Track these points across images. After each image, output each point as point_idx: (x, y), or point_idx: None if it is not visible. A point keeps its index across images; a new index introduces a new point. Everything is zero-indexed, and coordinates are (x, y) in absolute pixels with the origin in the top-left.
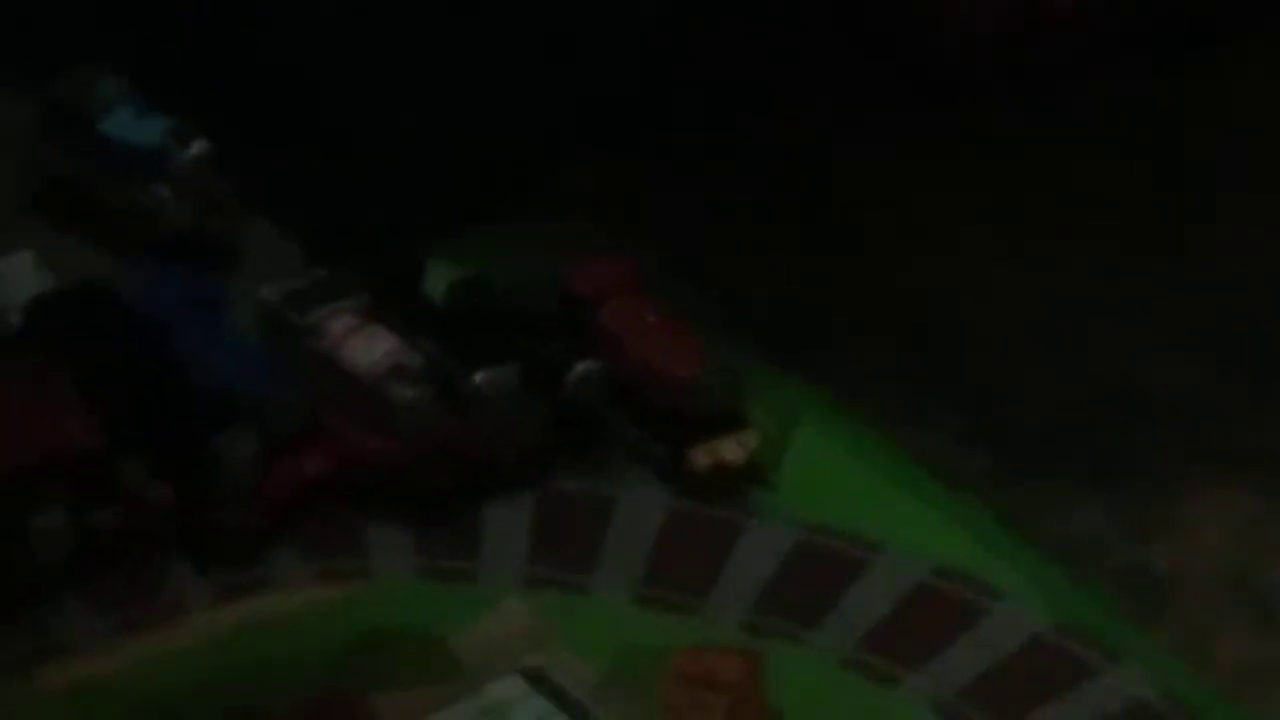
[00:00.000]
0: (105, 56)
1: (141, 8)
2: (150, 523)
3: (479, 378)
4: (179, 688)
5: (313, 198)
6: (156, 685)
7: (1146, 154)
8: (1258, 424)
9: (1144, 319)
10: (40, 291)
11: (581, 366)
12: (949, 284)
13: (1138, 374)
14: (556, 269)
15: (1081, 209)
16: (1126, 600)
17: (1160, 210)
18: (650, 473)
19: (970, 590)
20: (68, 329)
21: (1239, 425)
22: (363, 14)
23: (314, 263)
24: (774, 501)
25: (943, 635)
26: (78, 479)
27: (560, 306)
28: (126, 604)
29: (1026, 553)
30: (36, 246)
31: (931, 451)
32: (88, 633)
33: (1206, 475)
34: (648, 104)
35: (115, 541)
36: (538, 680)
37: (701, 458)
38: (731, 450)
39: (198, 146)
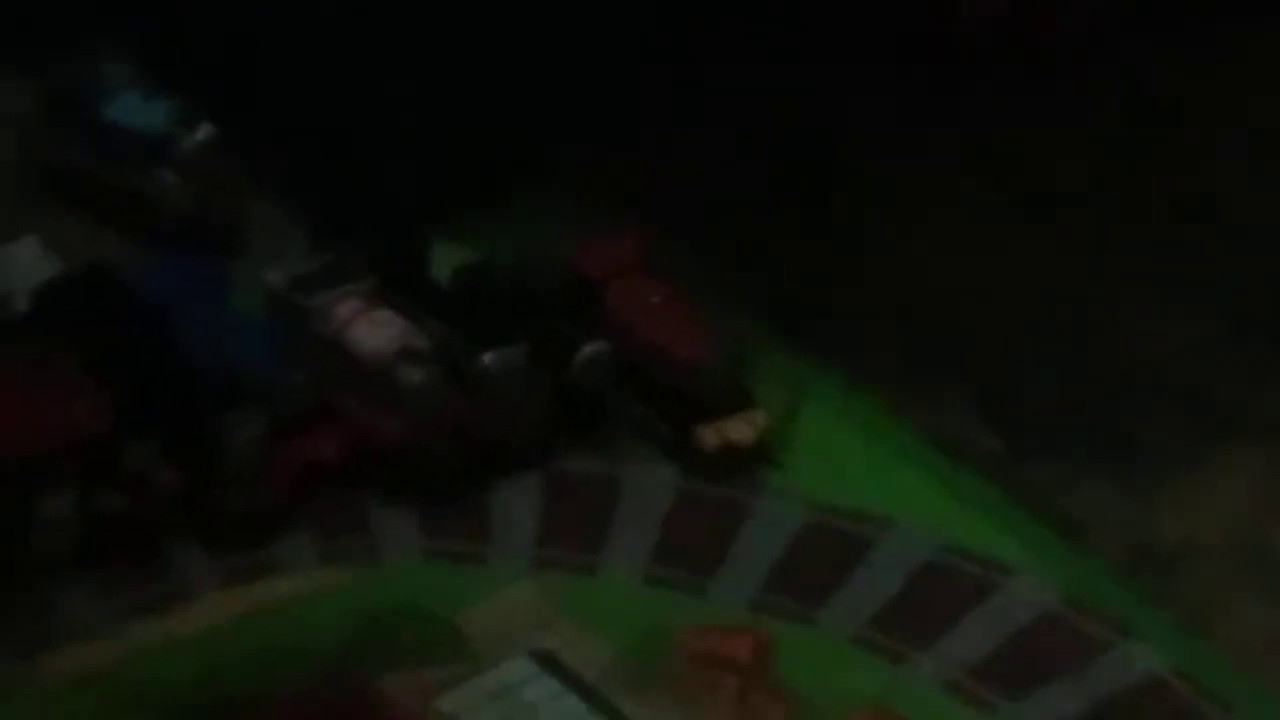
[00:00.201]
0: (109, 41)
1: None
2: (157, 507)
3: (486, 359)
4: (186, 672)
5: (318, 181)
6: (164, 670)
7: (1153, 128)
8: (1267, 398)
9: (1152, 294)
10: (46, 276)
11: (588, 347)
12: (958, 262)
13: (1146, 349)
14: (562, 250)
15: (1089, 186)
16: (1136, 575)
17: (1167, 187)
18: (658, 453)
19: (979, 567)
20: (74, 314)
21: (1248, 400)
22: None
23: (319, 246)
24: (782, 480)
25: (952, 612)
26: (85, 463)
27: (567, 287)
28: (133, 588)
29: (1035, 529)
30: (42, 232)
31: (940, 429)
32: (94, 617)
33: (1215, 450)
34: (649, 82)
35: (122, 526)
36: (547, 661)
37: (709, 437)
38: (739, 430)
39: (202, 131)
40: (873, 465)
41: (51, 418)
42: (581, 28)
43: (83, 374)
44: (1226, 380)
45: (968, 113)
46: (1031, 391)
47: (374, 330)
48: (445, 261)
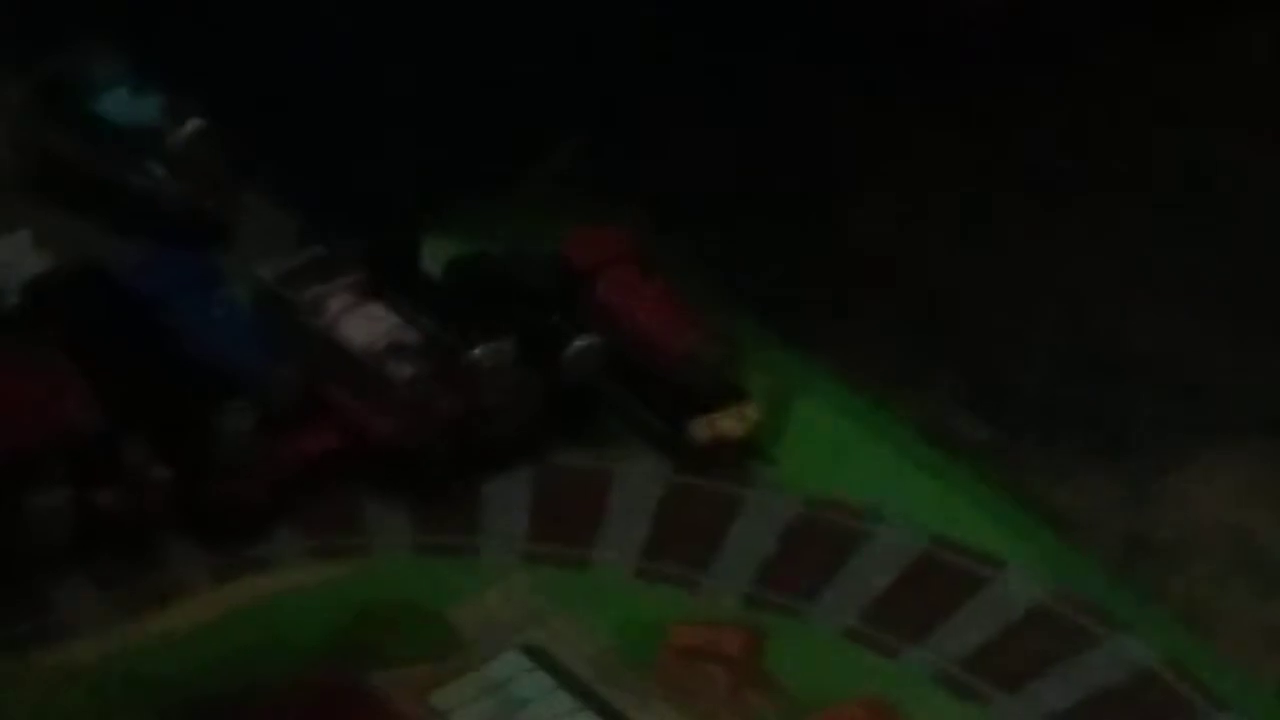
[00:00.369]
0: (100, 34)
1: None
2: (150, 502)
3: (477, 353)
4: (179, 668)
5: (308, 175)
6: (157, 665)
7: (1147, 118)
8: (1260, 390)
9: (1145, 285)
10: (36, 271)
11: (579, 340)
12: (948, 252)
13: (1139, 341)
14: (553, 243)
15: (1082, 174)
16: (1128, 568)
17: (1161, 176)
18: (649, 446)
19: (971, 560)
20: (64, 309)
21: (1241, 392)
22: None
23: (310, 240)
24: (774, 473)
25: (944, 606)
26: (77, 459)
27: (557, 280)
28: (125, 583)
29: (1027, 522)
30: (33, 227)
31: (932, 421)
32: (87, 613)
33: (1208, 442)
34: (641, 75)
35: (113, 521)
36: (539, 656)
37: (700, 430)
38: (730, 423)
39: (193, 125)
40: (865, 458)
41: (42, 413)
42: (578, 21)
43: (73, 369)
44: (1223, 373)
45: (960, 104)
46: (1025, 384)
47: (365, 324)
48: (437, 255)
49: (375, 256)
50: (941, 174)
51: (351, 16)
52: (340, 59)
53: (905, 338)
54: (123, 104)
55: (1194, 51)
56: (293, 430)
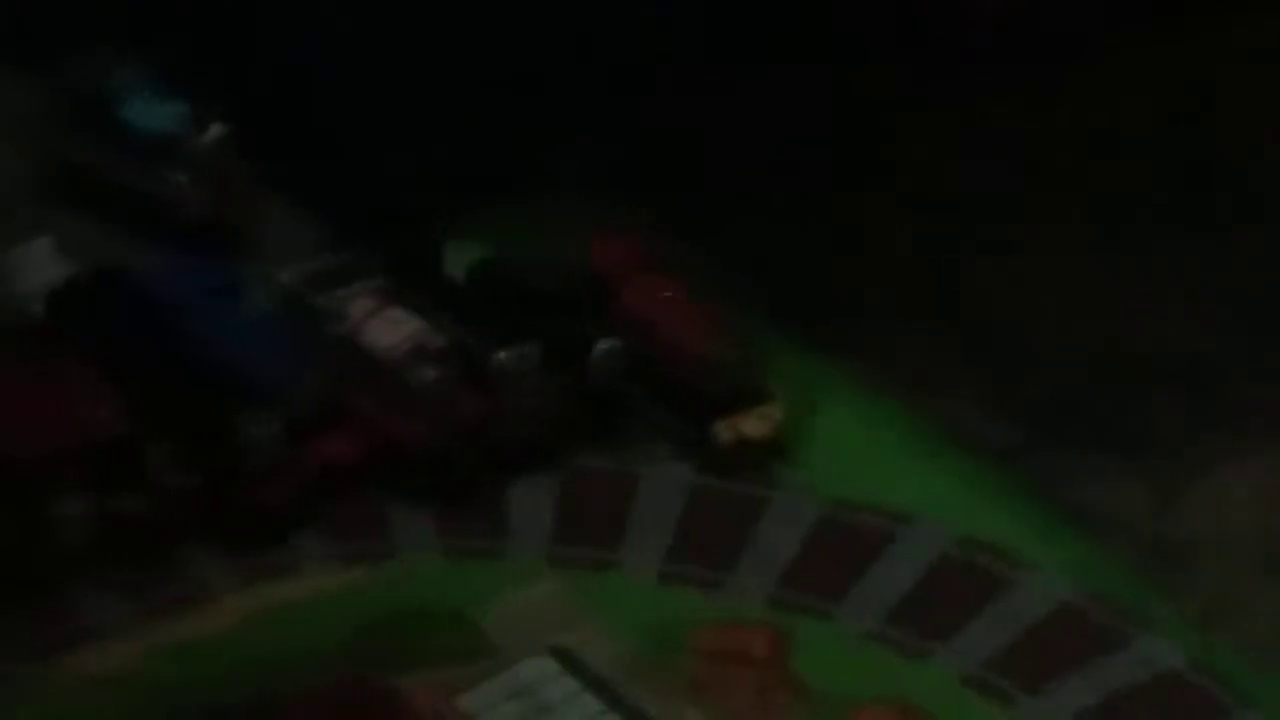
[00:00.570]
0: (123, 44)
1: None
2: (175, 508)
3: (501, 357)
4: (205, 673)
5: (331, 181)
6: (183, 671)
7: (1172, 121)
8: None
9: (1170, 288)
10: (61, 278)
11: (603, 344)
12: (974, 255)
13: (1164, 343)
14: (577, 247)
15: (1108, 178)
16: (1154, 569)
17: (1187, 179)
18: (674, 449)
19: (997, 561)
20: (88, 315)
21: (1266, 393)
22: None
23: (333, 246)
24: (798, 476)
25: (969, 607)
26: (102, 465)
27: (581, 285)
28: (152, 590)
29: (1053, 523)
30: (56, 233)
31: (957, 423)
32: (113, 619)
33: (1234, 443)
34: (662, 77)
35: (140, 527)
36: (567, 659)
37: (725, 433)
38: (755, 425)
39: (215, 131)
40: (889, 459)
41: (68, 420)
42: (596, 26)
43: (98, 376)
44: (1247, 373)
45: (979, 105)
46: (1049, 385)
47: (388, 329)
48: (459, 259)
49: (397, 261)
50: (968, 177)
51: (375, 21)
52: (362, 66)
53: (931, 339)
54: (146, 112)
55: (1208, 53)
56: (316, 435)
